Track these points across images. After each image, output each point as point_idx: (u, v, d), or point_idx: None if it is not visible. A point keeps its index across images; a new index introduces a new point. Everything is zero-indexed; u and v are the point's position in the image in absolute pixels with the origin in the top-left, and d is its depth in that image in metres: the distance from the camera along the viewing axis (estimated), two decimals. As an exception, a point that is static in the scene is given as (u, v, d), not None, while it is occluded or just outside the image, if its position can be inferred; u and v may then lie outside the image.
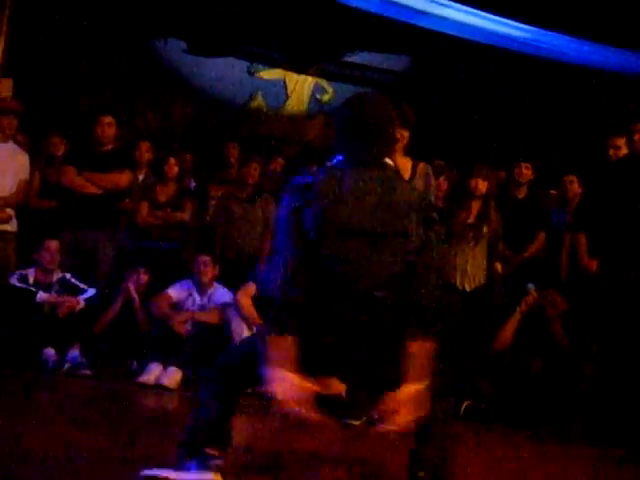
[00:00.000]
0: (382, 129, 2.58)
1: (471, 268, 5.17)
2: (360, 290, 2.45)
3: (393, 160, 4.40)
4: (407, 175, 4.46)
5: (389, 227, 2.47)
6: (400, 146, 4.45)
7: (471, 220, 5.21)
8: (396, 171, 3.00)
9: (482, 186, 5.19)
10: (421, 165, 4.53)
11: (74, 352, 5.08)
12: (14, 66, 6.49)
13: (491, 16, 7.51)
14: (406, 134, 4.45)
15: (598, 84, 8.11)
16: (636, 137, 4.51)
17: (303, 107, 8.79)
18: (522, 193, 5.96)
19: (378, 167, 2.56)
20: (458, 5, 7.41)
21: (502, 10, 7.42)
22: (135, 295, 5.48)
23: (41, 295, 5.23)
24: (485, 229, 5.20)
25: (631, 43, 7.67)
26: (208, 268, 5.43)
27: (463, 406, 4.93)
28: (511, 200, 5.84)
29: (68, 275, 5.41)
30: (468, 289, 5.15)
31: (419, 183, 4.46)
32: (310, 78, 8.74)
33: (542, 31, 7.57)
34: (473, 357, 5.08)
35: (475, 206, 5.23)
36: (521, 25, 7.57)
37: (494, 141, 8.09)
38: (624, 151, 4.96)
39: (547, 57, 7.87)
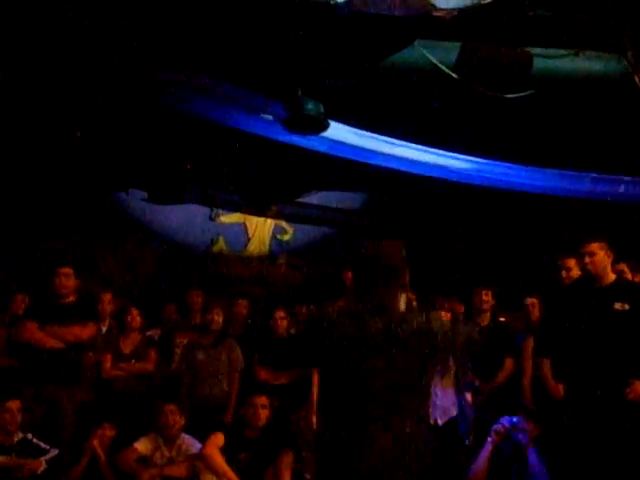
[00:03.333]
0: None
1: (441, 401, 5.15)
2: None
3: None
4: None
5: None
6: None
7: (436, 352, 5.23)
8: None
9: (445, 317, 5.26)
10: None
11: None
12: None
13: (439, 151, 7.82)
14: None
15: (548, 208, 8.41)
16: (586, 259, 4.62)
17: (265, 248, 8.93)
18: (485, 320, 6.02)
19: None
20: (407, 144, 7.72)
21: (448, 145, 7.74)
22: (100, 452, 5.31)
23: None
24: (451, 361, 5.23)
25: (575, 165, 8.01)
26: (175, 418, 5.32)
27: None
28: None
29: (30, 436, 5.22)
30: (440, 423, 5.11)
31: None
32: (269, 220, 8.93)
33: (488, 162, 7.88)
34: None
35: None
36: (467, 157, 7.88)
37: (452, 271, 8.25)
38: (576, 272, 5.08)
39: (496, 186, 8.17)
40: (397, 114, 7.30)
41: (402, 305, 2.82)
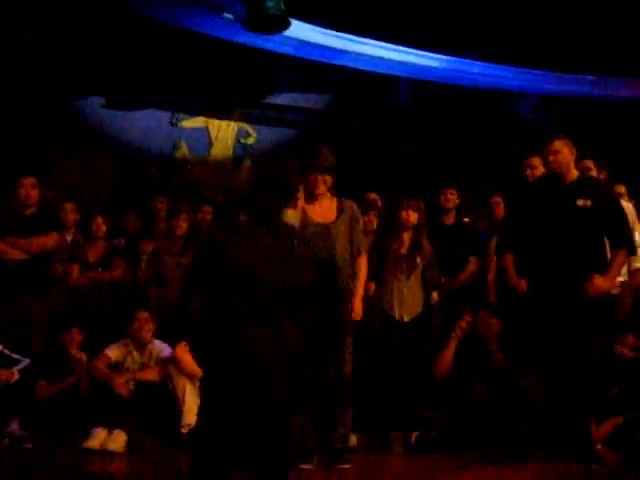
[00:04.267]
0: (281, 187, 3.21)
1: (407, 298, 5.24)
2: None
3: (317, 203, 4.50)
4: (333, 216, 4.52)
5: None
6: (323, 189, 4.52)
7: (404, 251, 5.30)
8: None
9: (412, 217, 5.30)
10: (347, 204, 4.59)
11: (13, 426, 4.93)
12: None
13: (405, 49, 7.70)
14: (328, 178, 4.52)
15: (511, 105, 8.40)
16: (550, 158, 4.64)
17: (228, 152, 8.81)
18: (450, 219, 6.08)
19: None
20: (373, 41, 7.57)
21: (415, 42, 7.61)
22: (79, 355, 5.37)
23: (-28, 371, 5.07)
24: (418, 259, 5.29)
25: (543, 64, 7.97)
26: (147, 324, 5.37)
27: (413, 437, 4.98)
28: (440, 227, 5.94)
29: (0, 347, 5.27)
30: (406, 319, 5.22)
31: (345, 221, 4.51)
32: (233, 123, 8.78)
33: (454, 59, 7.78)
34: (417, 387, 5.13)
35: (407, 237, 5.33)
36: (433, 55, 7.77)
37: (419, 171, 8.26)
38: (541, 170, 5.11)
39: (460, 84, 8.11)
40: (363, 10, 7.14)
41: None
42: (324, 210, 4.51)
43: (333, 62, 7.76)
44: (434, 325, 5.37)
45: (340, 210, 4.53)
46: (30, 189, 5.47)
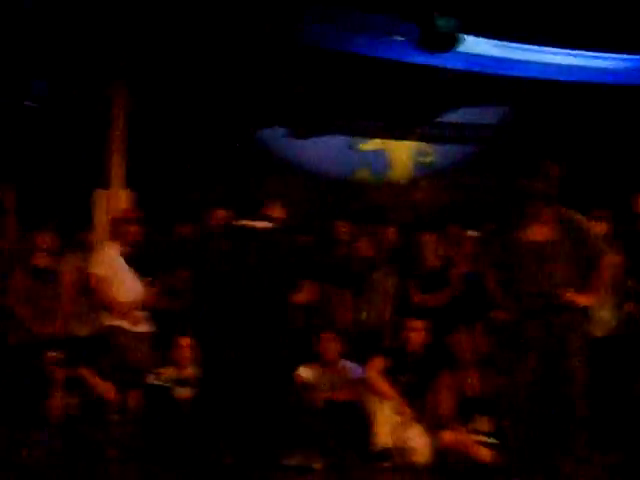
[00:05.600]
0: None
1: (598, 312, 5.00)
2: None
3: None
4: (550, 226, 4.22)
5: None
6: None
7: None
8: None
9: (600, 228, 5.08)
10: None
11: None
12: (132, 177, 6.87)
13: (581, 52, 7.41)
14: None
15: None
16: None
17: (408, 172, 8.86)
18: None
19: None
20: (547, 48, 7.35)
21: (590, 44, 7.31)
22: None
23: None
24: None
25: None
26: (332, 345, 5.49)
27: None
28: (634, 234, 5.63)
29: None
30: (600, 335, 4.98)
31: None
32: (411, 143, 8.81)
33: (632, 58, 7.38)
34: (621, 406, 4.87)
35: None
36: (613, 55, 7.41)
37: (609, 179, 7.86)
38: None
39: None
40: (534, 18, 6.97)
41: None
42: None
43: (508, 73, 7.61)
44: (632, 338, 5.08)
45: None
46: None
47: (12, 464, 4.91)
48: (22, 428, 5.12)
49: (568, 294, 3.99)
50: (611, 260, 4.23)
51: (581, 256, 4.08)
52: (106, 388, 5.47)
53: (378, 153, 8.81)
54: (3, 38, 6.17)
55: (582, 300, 4.03)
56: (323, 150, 8.54)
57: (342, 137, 8.65)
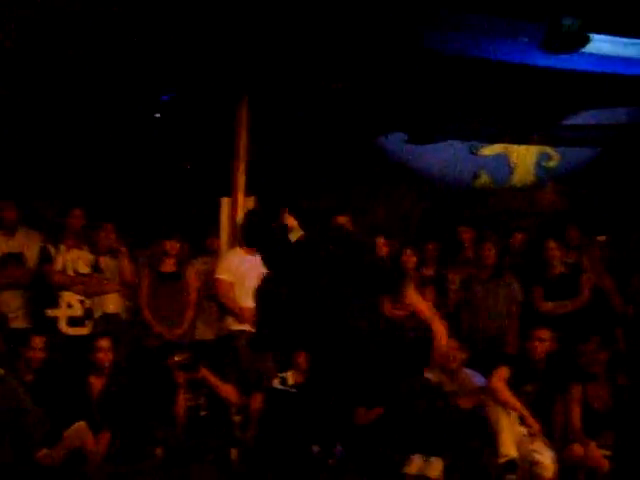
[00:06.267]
0: None
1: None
2: None
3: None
4: None
5: None
6: None
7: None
8: None
9: None
10: None
11: (339, 447, 5.22)
12: (256, 184, 7.03)
13: None
14: None
15: None
16: None
17: (530, 177, 8.64)
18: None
19: None
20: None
21: None
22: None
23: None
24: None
25: None
26: (455, 353, 5.43)
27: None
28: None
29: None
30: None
31: None
32: (533, 147, 8.59)
33: None
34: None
35: None
36: None
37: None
38: None
39: None
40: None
41: None
42: None
43: (636, 73, 7.29)
44: None
45: None
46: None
47: (142, 461, 5.13)
48: (151, 427, 5.33)
49: None
50: None
51: None
52: (228, 389, 5.61)
53: (499, 158, 8.64)
54: (134, 50, 6.43)
55: None
56: (443, 155, 8.46)
57: (463, 142, 8.53)
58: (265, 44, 6.07)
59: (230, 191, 6.81)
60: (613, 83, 7.61)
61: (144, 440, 5.25)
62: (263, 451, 5.34)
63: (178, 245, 6.15)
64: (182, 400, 5.52)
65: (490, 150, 8.63)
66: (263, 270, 5.79)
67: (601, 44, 6.87)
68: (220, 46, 6.12)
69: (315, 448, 5.18)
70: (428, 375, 5.47)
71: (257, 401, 5.66)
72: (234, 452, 5.34)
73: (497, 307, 5.82)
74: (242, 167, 6.84)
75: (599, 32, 6.68)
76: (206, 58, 6.35)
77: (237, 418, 5.67)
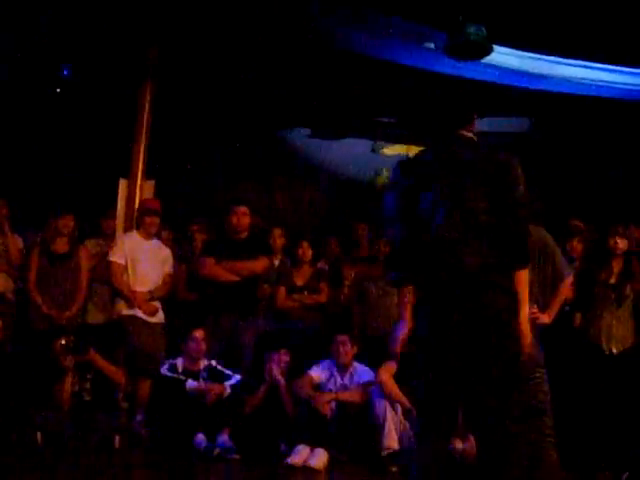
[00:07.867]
0: None
1: (617, 330, 4.99)
2: None
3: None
4: None
5: None
6: None
7: (613, 280, 5.07)
8: None
9: (622, 244, 5.07)
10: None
11: (223, 437, 5.20)
12: (154, 168, 6.92)
13: (607, 66, 7.36)
14: None
15: None
16: None
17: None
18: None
19: None
20: (574, 61, 7.31)
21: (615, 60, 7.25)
22: (280, 377, 5.55)
23: (190, 383, 5.41)
24: (629, 288, 5.04)
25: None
26: (347, 348, 5.49)
27: (623, 477, 4.71)
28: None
29: (214, 362, 5.58)
30: (615, 352, 4.97)
31: None
32: (434, 149, 8.79)
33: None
34: (628, 424, 4.85)
35: (616, 266, 5.10)
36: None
37: (627, 196, 7.83)
38: None
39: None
40: (563, 30, 6.93)
41: None
42: None
43: (533, 87, 7.58)
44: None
45: None
46: (242, 217, 5.84)
47: (23, 446, 4.97)
48: (34, 412, 5.17)
49: None
50: None
51: None
52: (116, 372, 5.50)
53: (401, 158, 8.80)
54: (34, 23, 6.22)
55: None
56: (345, 152, 8.56)
57: (365, 141, 8.65)
58: (167, 24, 5.98)
59: (129, 173, 6.68)
60: (511, 94, 7.90)
61: (23, 424, 5.09)
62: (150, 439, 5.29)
63: (72, 224, 5.96)
64: (68, 384, 5.37)
65: (392, 150, 8.79)
66: (158, 256, 5.80)
67: (500, 56, 7.12)
68: (121, 21, 6.00)
69: (200, 437, 5.17)
70: (317, 371, 5.50)
71: (145, 387, 5.58)
72: (117, 439, 5.24)
73: (389, 303, 5.87)
74: (142, 150, 6.72)
75: (503, 44, 6.91)
76: (107, 32, 6.21)
77: (124, 405, 5.57)
